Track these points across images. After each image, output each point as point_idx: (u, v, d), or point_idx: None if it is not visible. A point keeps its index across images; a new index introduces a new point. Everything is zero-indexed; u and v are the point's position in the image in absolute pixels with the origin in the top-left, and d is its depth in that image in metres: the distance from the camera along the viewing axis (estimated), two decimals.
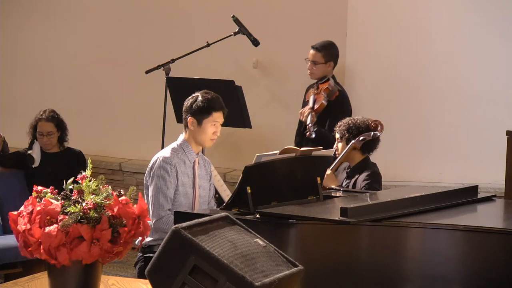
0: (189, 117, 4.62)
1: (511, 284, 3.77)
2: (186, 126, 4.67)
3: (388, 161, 5.63)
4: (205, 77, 6.15)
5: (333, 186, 5.02)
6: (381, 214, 3.90)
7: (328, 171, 5.03)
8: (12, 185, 6.09)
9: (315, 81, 6.25)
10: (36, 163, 6.16)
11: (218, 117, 4.61)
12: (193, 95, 4.67)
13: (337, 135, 5.18)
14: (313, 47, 6.25)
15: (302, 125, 6.29)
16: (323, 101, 6.06)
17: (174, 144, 4.71)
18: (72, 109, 7.71)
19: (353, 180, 5.08)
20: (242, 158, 6.23)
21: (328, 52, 6.26)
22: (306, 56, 6.26)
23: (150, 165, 4.67)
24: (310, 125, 5.93)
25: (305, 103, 6.30)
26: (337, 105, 6.11)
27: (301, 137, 6.31)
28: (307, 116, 5.98)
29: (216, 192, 4.95)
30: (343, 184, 5.10)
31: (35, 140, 6.19)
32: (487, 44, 6.81)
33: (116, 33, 7.92)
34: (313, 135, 5.91)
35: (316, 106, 6.03)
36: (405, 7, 6.94)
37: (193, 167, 4.69)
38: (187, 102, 4.65)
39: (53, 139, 6.16)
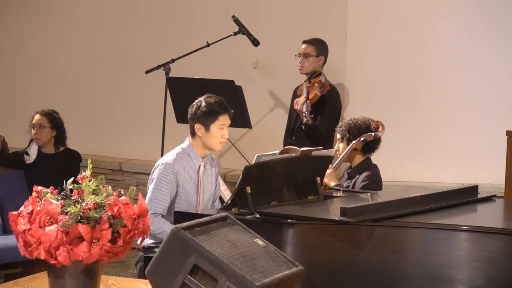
0: (196, 124, 4.55)
1: (511, 284, 3.77)
2: (193, 132, 4.59)
3: (388, 161, 5.62)
4: (205, 77, 6.15)
5: (332, 185, 5.01)
6: (381, 214, 3.90)
7: (330, 170, 5.03)
8: (12, 185, 6.09)
9: (300, 84, 6.34)
10: (31, 160, 6.15)
11: (224, 119, 4.54)
12: (196, 101, 4.60)
13: (338, 136, 5.18)
14: (304, 41, 6.37)
15: (290, 124, 6.37)
16: (317, 92, 6.15)
17: (179, 148, 4.64)
18: (72, 109, 7.71)
19: (353, 180, 5.08)
20: (242, 158, 6.23)
21: (321, 46, 6.35)
22: None
23: (153, 168, 4.63)
24: (306, 112, 6.02)
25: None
26: (328, 100, 6.23)
27: (290, 135, 6.37)
28: (302, 105, 6.07)
29: None
30: (344, 185, 5.09)
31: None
32: (487, 43, 6.80)
33: (116, 33, 7.92)
34: (310, 122, 5.99)
35: (310, 96, 6.12)
36: (405, 7, 6.93)
37: (198, 171, 4.64)
38: (191, 109, 4.58)
39: (42, 133, 6.12)
